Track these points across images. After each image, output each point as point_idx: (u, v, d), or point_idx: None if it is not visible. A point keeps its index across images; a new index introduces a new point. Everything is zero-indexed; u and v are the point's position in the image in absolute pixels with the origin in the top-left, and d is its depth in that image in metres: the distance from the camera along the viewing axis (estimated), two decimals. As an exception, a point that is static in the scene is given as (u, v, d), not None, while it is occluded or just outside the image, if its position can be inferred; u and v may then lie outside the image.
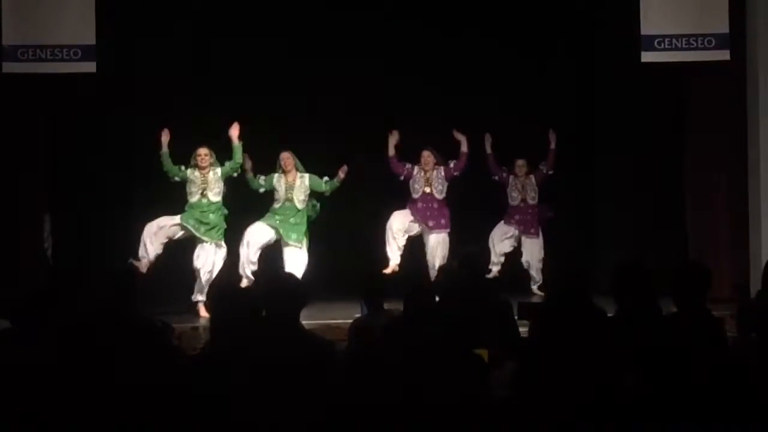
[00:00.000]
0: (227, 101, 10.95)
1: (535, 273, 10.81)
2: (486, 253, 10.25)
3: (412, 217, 10.50)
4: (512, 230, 10.89)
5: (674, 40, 9.93)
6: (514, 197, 10.88)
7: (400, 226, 10.45)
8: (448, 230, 10.44)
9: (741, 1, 10.08)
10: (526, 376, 4.53)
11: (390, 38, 11.23)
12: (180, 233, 9.87)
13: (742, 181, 10.25)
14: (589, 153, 11.60)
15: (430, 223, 10.43)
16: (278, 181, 10.10)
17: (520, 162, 10.85)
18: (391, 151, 10.50)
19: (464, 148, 10.53)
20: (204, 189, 9.82)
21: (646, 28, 9.95)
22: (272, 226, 10.08)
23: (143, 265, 9.60)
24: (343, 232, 11.06)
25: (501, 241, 10.86)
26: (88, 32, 9.80)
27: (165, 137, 9.85)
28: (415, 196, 10.49)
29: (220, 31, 11.04)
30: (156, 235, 9.77)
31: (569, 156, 11.12)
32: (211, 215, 9.82)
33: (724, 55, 9.96)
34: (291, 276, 5.01)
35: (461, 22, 11.22)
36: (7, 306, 5.04)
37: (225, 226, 9.93)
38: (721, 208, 10.43)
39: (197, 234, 9.78)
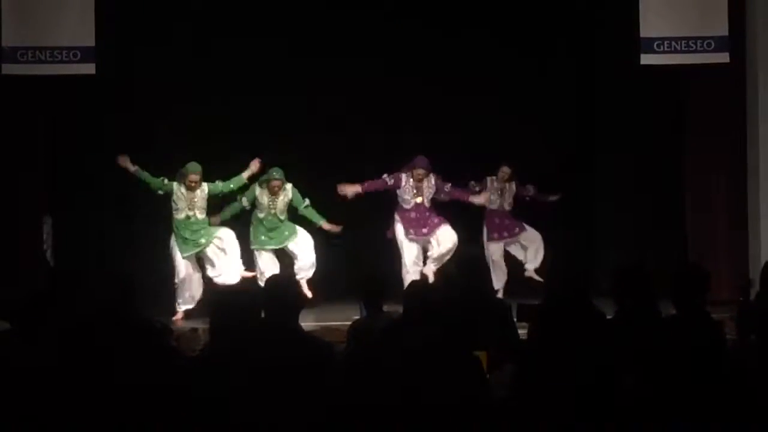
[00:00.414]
0: (226, 102, 10.96)
1: (533, 256, 10.68)
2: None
3: (407, 233, 10.28)
4: (500, 247, 10.73)
5: (674, 43, 9.93)
6: (493, 200, 10.65)
7: (416, 260, 10.27)
8: (447, 224, 10.34)
9: (740, 4, 10.09)
10: (526, 378, 4.53)
11: (390, 38, 11.21)
12: (193, 263, 9.89)
13: (742, 183, 10.25)
14: (589, 153, 11.60)
15: (425, 230, 10.28)
16: (260, 194, 10.07)
17: (506, 168, 10.66)
18: (358, 188, 10.23)
19: (484, 202, 10.43)
20: (191, 206, 9.82)
21: (646, 30, 9.95)
22: (275, 251, 10.13)
23: (181, 314, 9.74)
24: (343, 233, 11.03)
25: (503, 266, 10.68)
26: (87, 34, 9.81)
27: (123, 160, 9.82)
28: (406, 206, 10.26)
29: (219, 32, 11.02)
30: (189, 283, 9.82)
31: (569, 156, 11.10)
32: (202, 230, 9.85)
33: (723, 57, 9.96)
34: (289, 278, 5.02)
35: (461, 22, 11.21)
36: (7, 307, 5.04)
37: None
38: (721, 209, 10.43)
39: (203, 244, 9.81)
